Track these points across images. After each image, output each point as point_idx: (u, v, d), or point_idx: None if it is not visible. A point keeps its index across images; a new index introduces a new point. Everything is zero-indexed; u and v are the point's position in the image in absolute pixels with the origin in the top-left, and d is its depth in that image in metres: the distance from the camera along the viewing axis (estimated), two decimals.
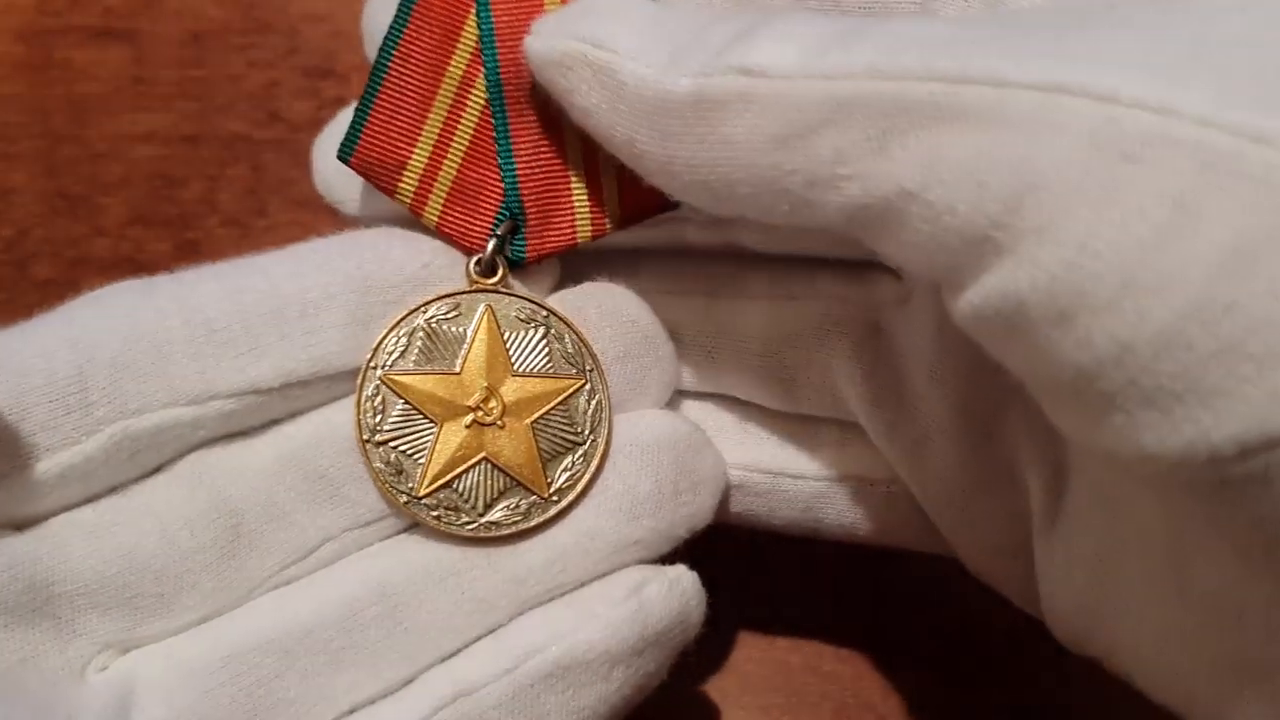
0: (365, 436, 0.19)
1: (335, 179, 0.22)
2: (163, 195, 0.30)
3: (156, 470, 0.19)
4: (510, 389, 0.20)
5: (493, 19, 0.20)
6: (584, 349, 0.20)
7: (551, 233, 0.21)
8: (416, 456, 0.19)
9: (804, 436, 0.22)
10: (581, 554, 0.19)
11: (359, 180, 0.21)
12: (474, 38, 0.20)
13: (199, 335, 0.18)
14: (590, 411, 0.20)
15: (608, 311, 0.21)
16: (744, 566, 0.26)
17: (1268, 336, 0.12)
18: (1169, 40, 0.14)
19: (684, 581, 0.20)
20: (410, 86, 0.20)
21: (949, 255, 0.14)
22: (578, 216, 0.21)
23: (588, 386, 0.20)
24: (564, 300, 0.21)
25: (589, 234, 0.21)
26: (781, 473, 0.22)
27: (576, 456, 0.20)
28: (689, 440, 0.20)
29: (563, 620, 0.19)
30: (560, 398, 0.20)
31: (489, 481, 0.19)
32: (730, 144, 0.16)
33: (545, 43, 0.19)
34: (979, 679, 0.25)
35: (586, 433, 0.20)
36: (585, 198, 0.21)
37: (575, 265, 0.22)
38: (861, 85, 0.15)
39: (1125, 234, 0.13)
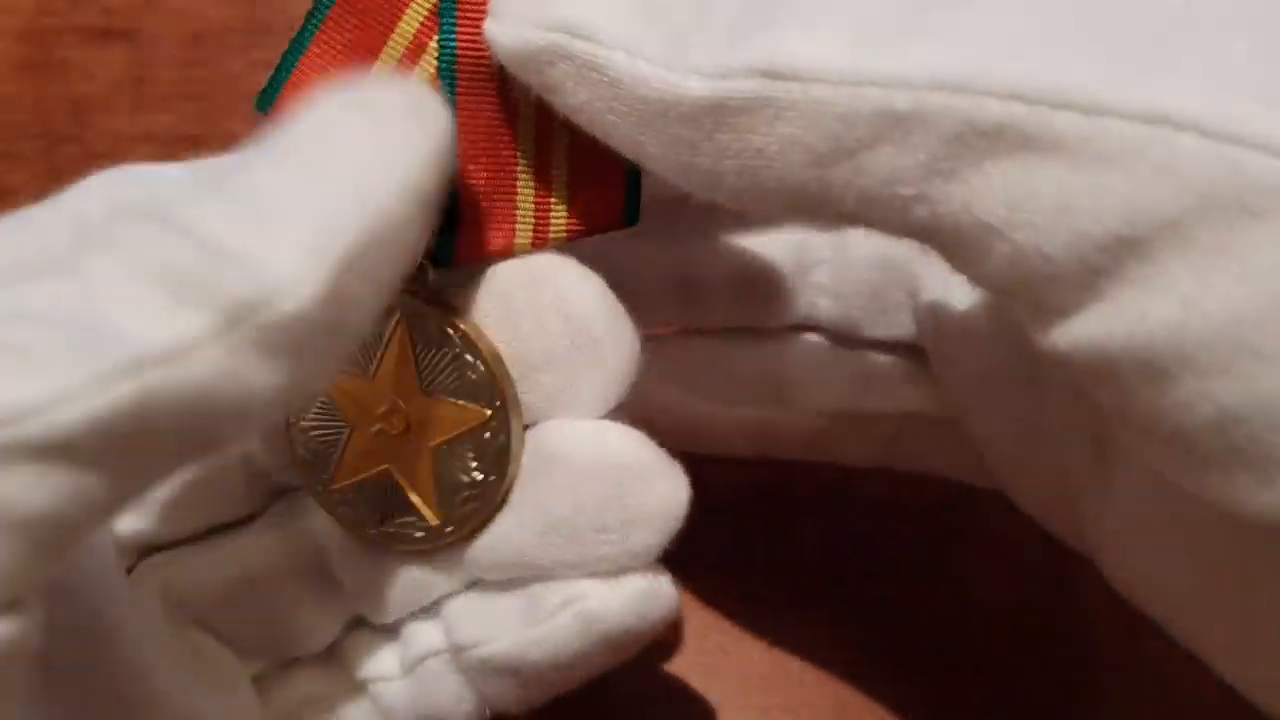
0: (290, 419, 0.19)
1: None
2: None
3: None
4: (416, 407, 0.18)
5: None
6: (493, 378, 0.17)
7: (487, 234, 0.18)
8: (330, 451, 0.19)
9: (879, 373, 0.22)
10: (499, 557, 0.18)
11: None
12: None
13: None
14: (492, 453, 0.18)
15: (537, 304, 0.17)
16: (743, 567, 0.26)
17: None
18: None
19: (618, 600, 0.17)
20: (349, 38, 0.17)
21: (1034, 294, 0.13)
22: (519, 221, 0.18)
23: (492, 423, 0.18)
24: (493, 282, 0.18)
25: (528, 242, 0.18)
26: (859, 414, 0.22)
27: (474, 493, 0.18)
28: (629, 467, 0.17)
29: (488, 624, 0.18)
30: (463, 429, 0.18)
31: (389, 494, 0.19)
32: (763, 155, 0.14)
33: (512, 33, 0.15)
34: (980, 680, 0.25)
35: (487, 473, 0.18)
36: (531, 201, 0.18)
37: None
38: (924, 97, 0.12)
39: (1242, 295, 0.11)
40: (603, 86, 0.15)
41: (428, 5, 0.17)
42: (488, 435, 0.18)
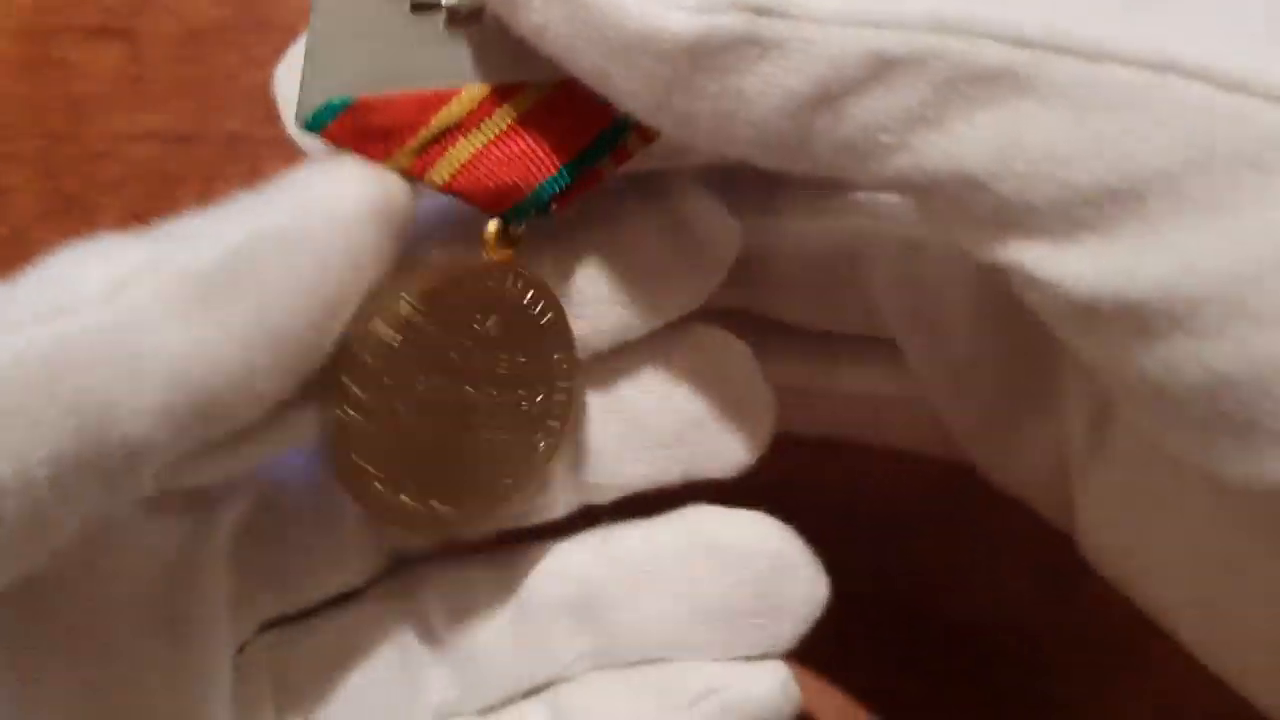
0: None
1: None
2: (161, 194, 0.30)
3: None
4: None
5: None
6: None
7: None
8: None
9: (827, 354, 0.21)
10: (640, 635, 0.18)
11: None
12: None
13: None
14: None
15: (701, 361, 0.18)
16: None
17: None
18: None
19: (759, 692, 0.18)
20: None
21: (1013, 247, 0.12)
22: None
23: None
24: (657, 344, 0.18)
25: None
26: (805, 390, 0.21)
27: None
28: (779, 556, 0.18)
29: (612, 713, 0.18)
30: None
31: None
32: (739, 98, 0.13)
33: None
34: (979, 681, 0.25)
35: None
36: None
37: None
38: (919, 39, 0.12)
39: (1239, 254, 0.11)
40: (573, 8, 0.13)
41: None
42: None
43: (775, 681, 0.18)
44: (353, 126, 0.16)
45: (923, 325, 0.19)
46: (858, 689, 0.25)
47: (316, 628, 0.19)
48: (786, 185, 0.19)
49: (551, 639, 0.18)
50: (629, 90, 0.14)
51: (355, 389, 0.16)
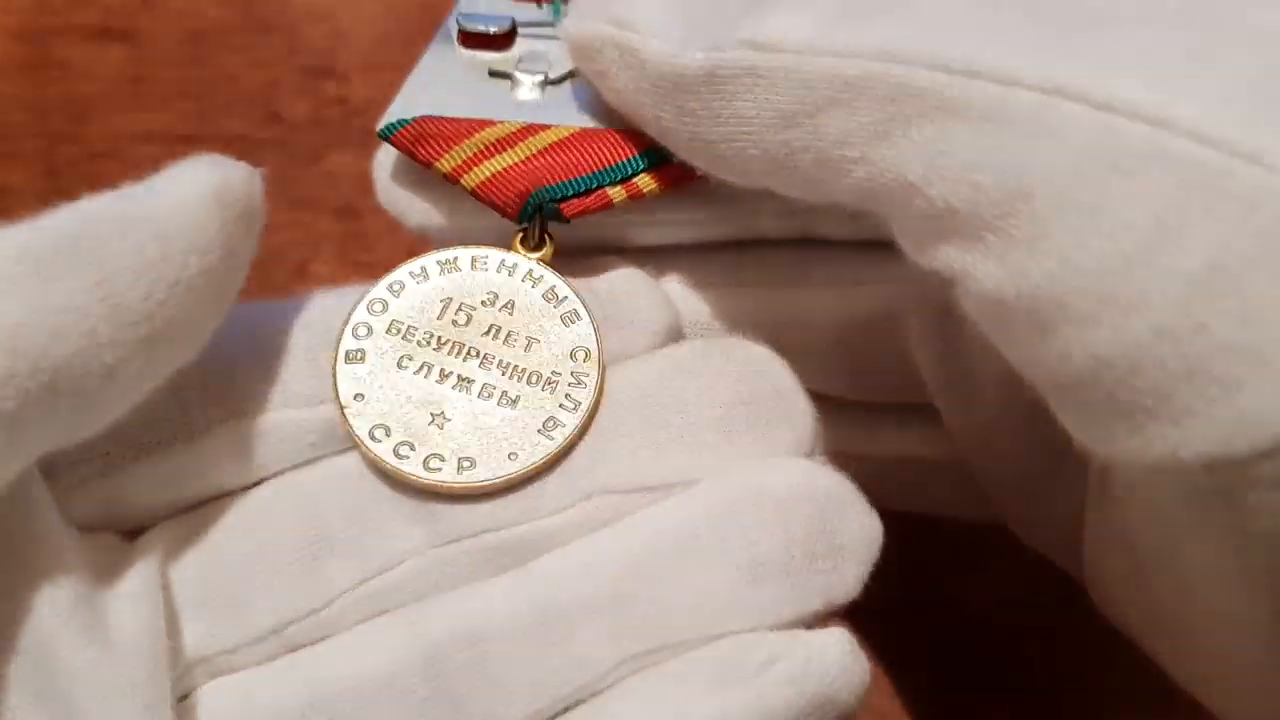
0: None
1: (399, 188, 0.20)
2: None
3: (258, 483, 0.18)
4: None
5: None
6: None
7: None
8: None
9: (865, 421, 0.22)
10: (689, 613, 0.17)
11: (425, 188, 0.20)
12: None
13: (315, 343, 0.18)
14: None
15: (736, 359, 0.18)
16: None
17: (1234, 361, 0.12)
18: (1182, 36, 0.14)
19: (827, 657, 0.16)
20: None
21: (947, 252, 0.14)
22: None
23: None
24: (689, 346, 0.19)
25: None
26: (846, 455, 0.20)
27: None
28: (830, 496, 0.17)
29: (668, 703, 0.16)
30: None
31: None
32: (744, 120, 0.16)
33: (577, 25, 0.19)
34: (980, 681, 0.25)
35: None
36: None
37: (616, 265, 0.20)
38: (870, 67, 0.15)
39: (1107, 249, 0.13)
40: (636, 68, 0.18)
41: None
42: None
43: (841, 646, 0.16)
44: (413, 134, 0.20)
45: (955, 386, 0.20)
46: (872, 687, 0.25)
47: (280, 672, 0.17)
48: (818, 257, 0.20)
49: (581, 649, 0.17)
50: (672, 128, 0.17)
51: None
